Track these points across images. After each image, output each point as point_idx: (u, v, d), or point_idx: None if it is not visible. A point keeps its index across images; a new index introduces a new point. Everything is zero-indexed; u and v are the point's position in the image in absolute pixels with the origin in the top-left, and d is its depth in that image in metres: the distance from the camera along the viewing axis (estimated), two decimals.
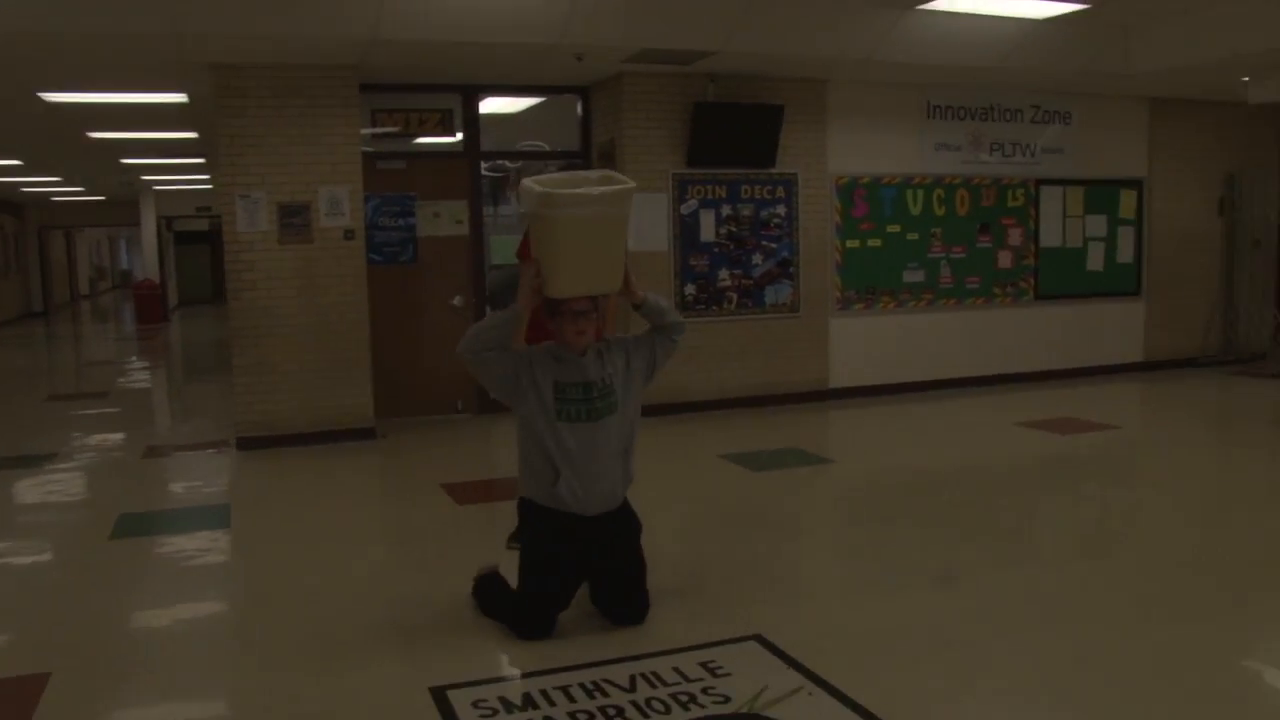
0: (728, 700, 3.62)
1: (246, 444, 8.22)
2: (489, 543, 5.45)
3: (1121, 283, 11.30)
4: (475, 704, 3.66)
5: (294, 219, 8.17)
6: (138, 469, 7.96)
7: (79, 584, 5.25)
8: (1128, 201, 11.26)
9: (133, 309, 24.10)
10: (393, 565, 5.58)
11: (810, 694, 3.66)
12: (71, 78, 8.67)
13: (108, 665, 4.19)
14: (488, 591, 4.50)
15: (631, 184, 4.27)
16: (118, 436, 9.47)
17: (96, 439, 9.28)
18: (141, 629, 4.69)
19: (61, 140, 12.70)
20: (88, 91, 9.27)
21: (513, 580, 4.41)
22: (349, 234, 8.31)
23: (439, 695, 3.73)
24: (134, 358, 17.23)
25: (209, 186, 20.77)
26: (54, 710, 3.74)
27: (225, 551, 5.86)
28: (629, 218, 4.27)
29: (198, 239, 29.62)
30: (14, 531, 6.33)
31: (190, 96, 9.51)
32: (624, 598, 4.35)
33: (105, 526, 6.15)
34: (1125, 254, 11.29)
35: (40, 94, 9.21)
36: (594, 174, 4.44)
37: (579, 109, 9.67)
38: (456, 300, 9.24)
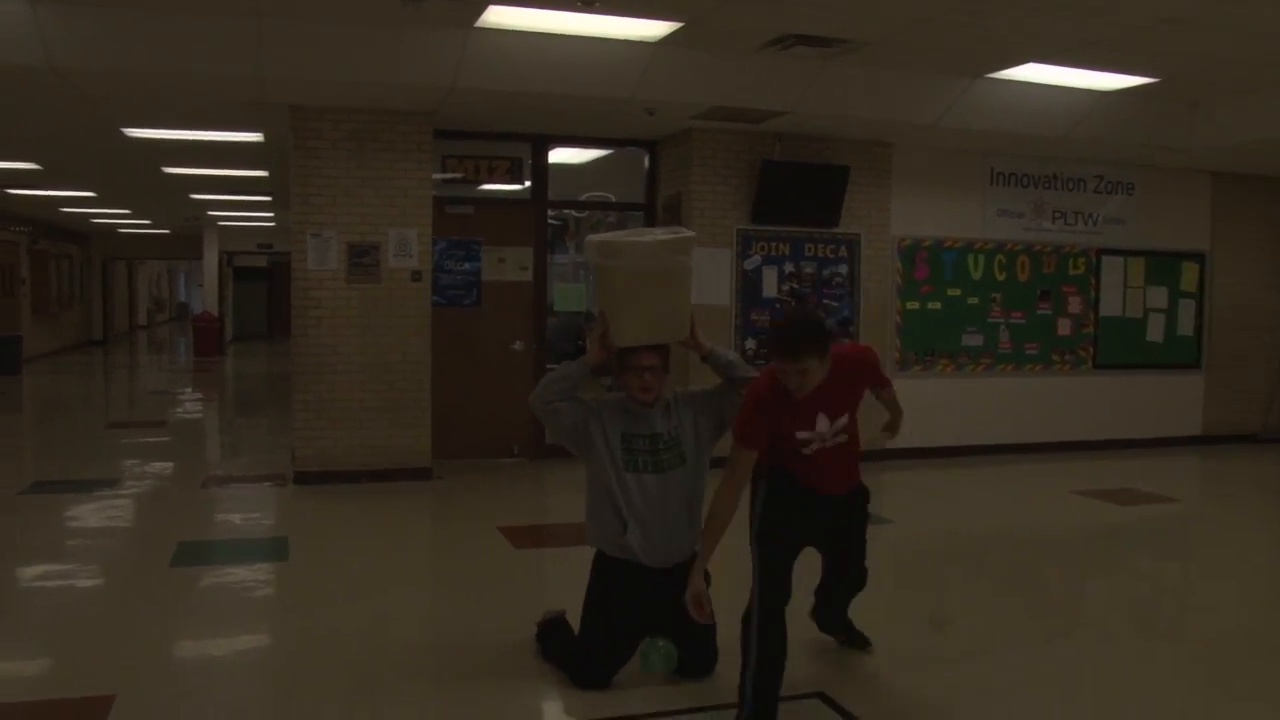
0: None
1: (304, 479, 8.31)
2: (546, 587, 5.47)
3: (1181, 355, 11.19)
4: None
5: (363, 259, 8.31)
6: (196, 498, 8.08)
7: (141, 608, 5.32)
8: (1189, 274, 11.18)
9: (190, 341, 24.48)
10: (450, 606, 5.60)
11: None
12: (154, 114, 8.90)
13: (171, 689, 4.25)
14: (550, 636, 4.51)
15: (690, 233, 4.33)
16: (176, 466, 9.62)
17: (155, 467, 9.42)
18: (203, 656, 4.75)
19: (137, 174, 13.01)
20: (169, 128, 9.52)
21: (577, 626, 4.43)
22: (416, 276, 8.44)
23: None
24: (190, 389, 17.50)
25: (272, 223, 21.17)
26: None
27: (283, 584, 5.92)
28: (690, 269, 4.30)
29: (256, 275, 30.14)
30: (79, 554, 6.45)
31: (266, 136, 9.75)
32: (692, 648, 4.34)
33: (165, 553, 6.25)
34: (1186, 327, 11.19)
35: (124, 129, 9.48)
36: (659, 230, 4.52)
37: (646, 162, 9.78)
38: (517, 345, 9.33)
